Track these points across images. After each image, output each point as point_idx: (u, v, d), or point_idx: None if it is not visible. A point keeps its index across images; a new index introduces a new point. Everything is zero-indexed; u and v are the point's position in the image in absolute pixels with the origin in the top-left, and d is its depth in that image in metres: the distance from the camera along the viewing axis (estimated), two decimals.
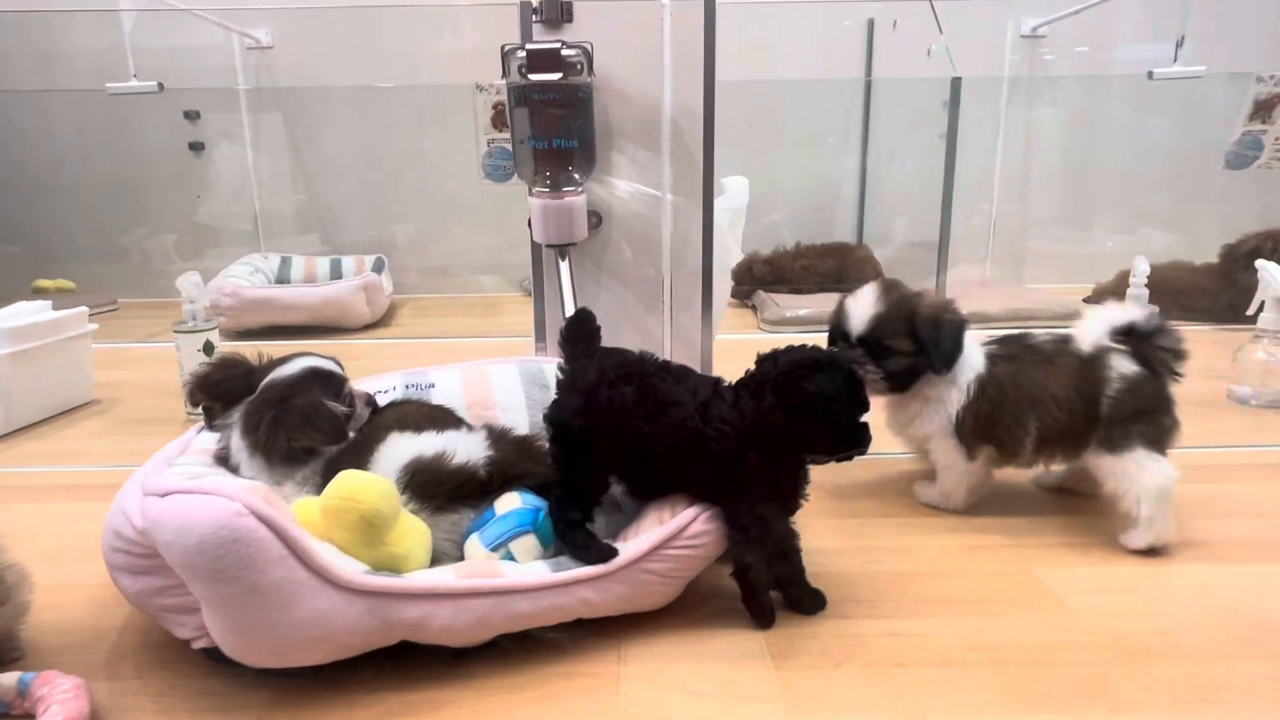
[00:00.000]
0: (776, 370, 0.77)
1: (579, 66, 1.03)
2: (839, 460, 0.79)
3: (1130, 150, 2.72)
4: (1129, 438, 0.92)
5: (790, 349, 0.79)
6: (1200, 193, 2.61)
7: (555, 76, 0.99)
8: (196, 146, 2.69)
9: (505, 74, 1.02)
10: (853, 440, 0.78)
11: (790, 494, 0.78)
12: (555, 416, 0.80)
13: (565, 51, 1.00)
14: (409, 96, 2.65)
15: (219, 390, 0.89)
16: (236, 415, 0.86)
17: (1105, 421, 0.93)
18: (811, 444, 0.77)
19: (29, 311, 1.45)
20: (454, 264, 2.76)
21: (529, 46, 0.99)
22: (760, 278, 2.46)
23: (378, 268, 2.46)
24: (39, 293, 2.43)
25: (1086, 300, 2.23)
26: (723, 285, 1.22)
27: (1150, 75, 2.15)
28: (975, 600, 0.83)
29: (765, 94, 2.70)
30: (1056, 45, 2.64)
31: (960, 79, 2.09)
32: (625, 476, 0.82)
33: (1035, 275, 2.79)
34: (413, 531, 0.74)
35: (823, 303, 2.25)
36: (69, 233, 2.77)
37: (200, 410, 0.91)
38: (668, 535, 0.74)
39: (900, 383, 0.98)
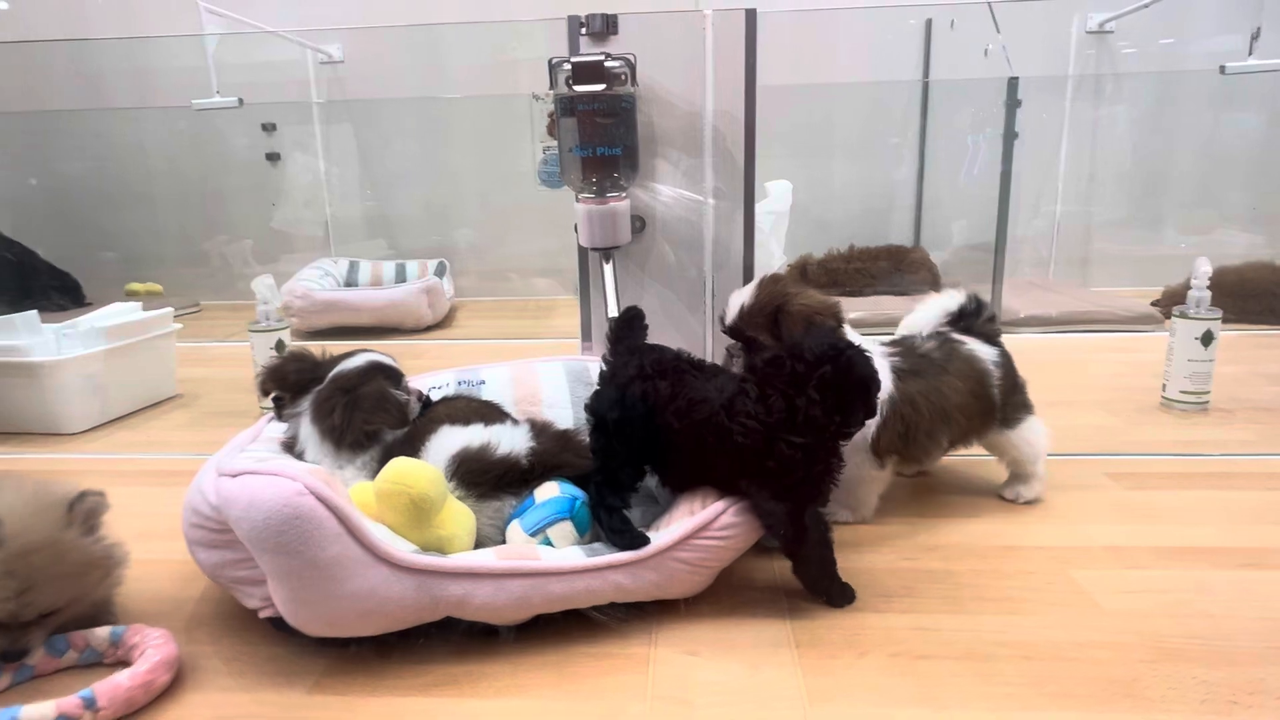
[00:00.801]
0: (810, 362, 0.77)
1: (622, 77, 1.07)
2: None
3: (1204, 148, 2.62)
4: (1019, 410, 1.04)
5: (798, 344, 0.79)
6: None
7: (599, 87, 1.03)
8: (273, 157, 2.84)
9: (552, 85, 1.07)
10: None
11: (821, 482, 0.79)
12: (595, 407, 0.84)
13: (609, 63, 1.05)
14: (470, 107, 2.75)
15: (289, 381, 0.97)
16: (306, 404, 0.93)
17: (1000, 406, 1.02)
18: (848, 429, 0.79)
19: (121, 312, 1.57)
20: (511, 268, 2.85)
21: (574, 59, 1.04)
22: (813, 280, 2.46)
23: (440, 272, 2.56)
24: (131, 295, 2.62)
25: (1154, 304, 2.16)
26: None
27: (1222, 70, 2.07)
28: (1007, 598, 0.83)
29: (822, 98, 2.70)
30: (1124, 41, 2.56)
31: (1017, 79, 2.05)
32: (657, 467, 0.85)
33: (1102, 278, 2.71)
34: (458, 516, 0.79)
35: (876, 306, 2.24)
36: (158, 239, 2.97)
37: (271, 401, 0.99)
38: (698, 526, 0.78)
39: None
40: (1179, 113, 2.61)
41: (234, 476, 0.71)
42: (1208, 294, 1.39)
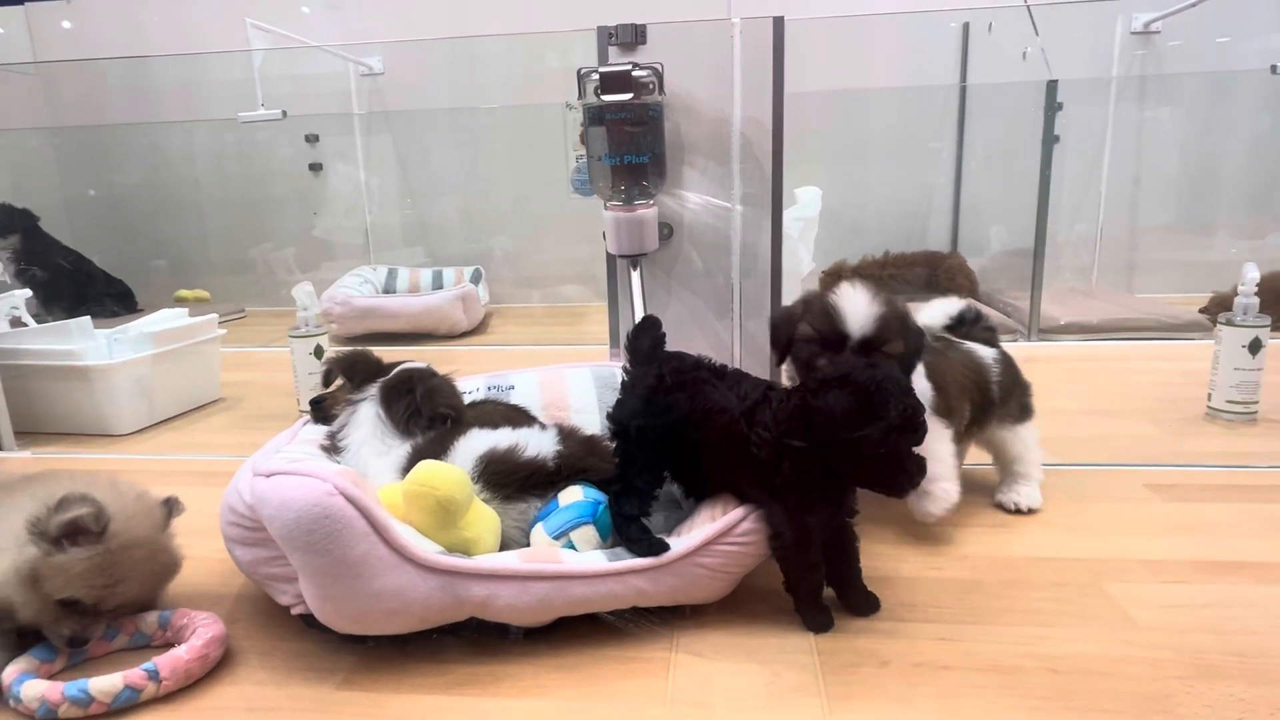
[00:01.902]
0: (802, 388, 0.75)
1: (650, 86, 1.08)
2: (889, 494, 0.75)
3: (1256, 150, 2.54)
4: (1022, 411, 1.07)
5: (841, 363, 0.79)
6: None
7: (627, 96, 1.05)
8: (315, 167, 2.92)
9: (581, 95, 1.09)
10: (886, 475, 0.72)
11: (828, 508, 0.77)
12: (616, 416, 0.85)
13: (636, 72, 1.06)
14: (506, 117, 2.80)
15: (354, 370, 1.05)
16: (370, 391, 1.01)
17: (999, 402, 1.04)
18: (836, 472, 0.74)
19: (168, 318, 1.63)
20: (545, 275, 2.88)
21: (601, 69, 1.05)
22: None
23: (475, 279, 2.60)
24: (179, 302, 2.71)
25: (1203, 311, 2.10)
26: (793, 293, 1.24)
27: (1274, 69, 2.01)
28: (1035, 610, 0.82)
29: (858, 103, 2.68)
30: (1172, 41, 2.50)
31: (1056, 81, 2.01)
32: (678, 476, 0.86)
33: (1148, 284, 2.64)
34: (483, 518, 0.81)
35: (911, 312, 2.21)
36: (206, 247, 3.07)
37: (310, 405, 1.03)
38: (718, 532, 0.78)
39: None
40: (1229, 114, 2.53)
41: (268, 476, 0.73)
42: (1256, 300, 1.35)
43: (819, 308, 0.89)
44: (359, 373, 1.05)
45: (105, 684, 0.70)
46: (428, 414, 1.00)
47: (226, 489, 0.83)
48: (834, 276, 2.46)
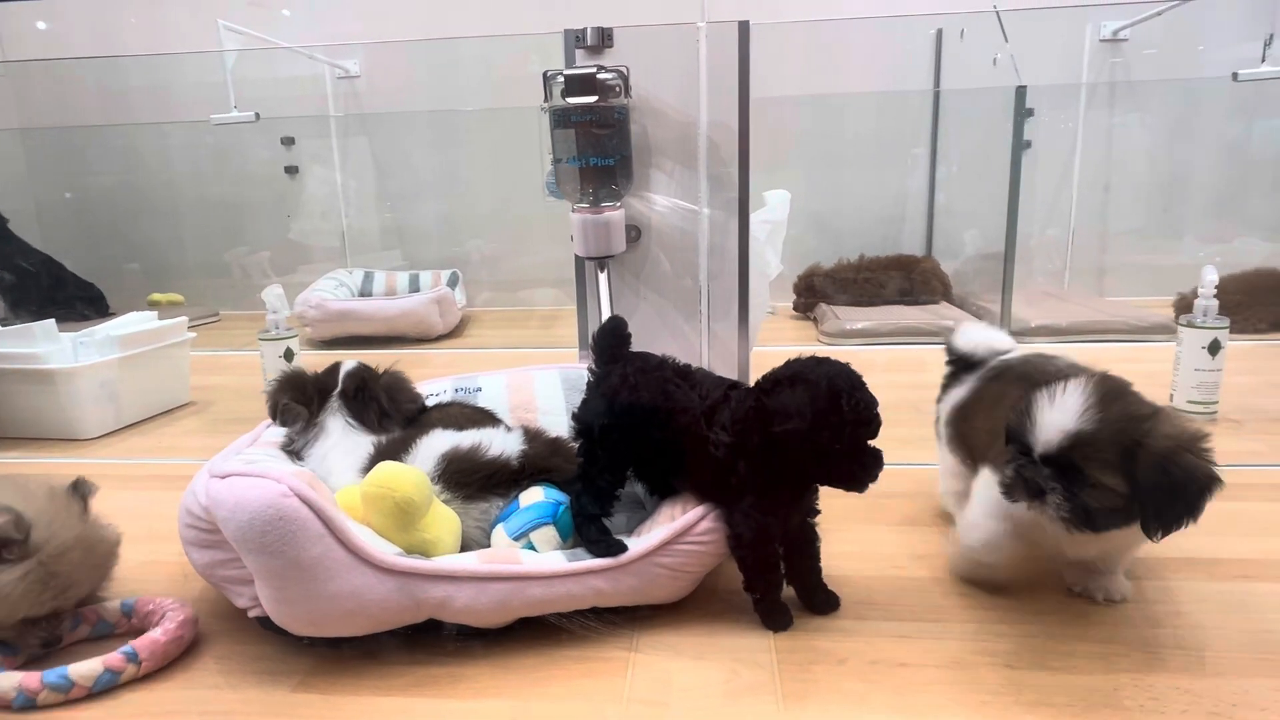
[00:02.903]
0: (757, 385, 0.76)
1: (616, 89, 1.08)
2: (847, 489, 0.74)
3: (1222, 156, 2.59)
4: None
5: (797, 361, 0.77)
6: None
7: (592, 99, 1.05)
8: (291, 170, 2.91)
9: (547, 98, 1.09)
10: (843, 471, 0.72)
11: (785, 507, 0.77)
12: (580, 416, 0.85)
13: (602, 75, 1.06)
14: (484, 120, 2.79)
15: (307, 396, 1.02)
16: (333, 406, 1.01)
17: None
18: (790, 473, 0.74)
19: (136, 321, 1.62)
20: (522, 278, 2.87)
21: (567, 72, 1.06)
22: (821, 290, 2.46)
23: (452, 282, 2.59)
24: (152, 305, 2.68)
25: (1175, 310, 2.13)
26: (761, 296, 1.25)
27: (1235, 77, 2.05)
28: (994, 608, 0.83)
29: (835, 107, 2.70)
30: (1139, 49, 2.54)
31: (1024, 87, 2.04)
32: (642, 475, 0.86)
33: (1119, 287, 2.67)
34: (443, 519, 0.81)
35: (884, 315, 2.23)
36: (180, 251, 3.04)
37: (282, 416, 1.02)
38: (677, 531, 0.78)
39: (1093, 523, 0.71)
40: (1195, 120, 2.58)
41: (223, 478, 0.73)
42: (1215, 303, 1.38)
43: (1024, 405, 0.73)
44: (311, 396, 1.02)
45: (85, 669, 0.71)
46: (398, 414, 1.02)
47: (185, 491, 0.83)
48: (805, 282, 2.48)
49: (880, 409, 0.73)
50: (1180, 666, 0.72)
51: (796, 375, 0.73)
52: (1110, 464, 0.69)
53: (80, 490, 0.82)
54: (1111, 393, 0.71)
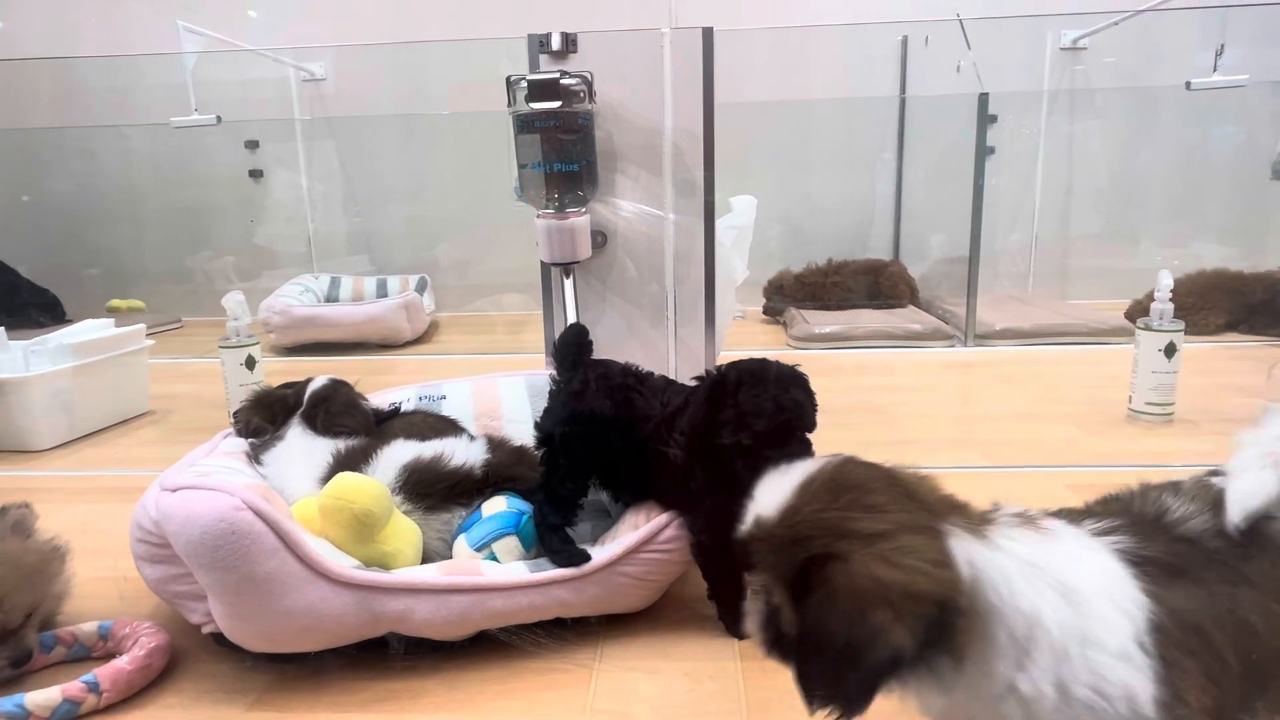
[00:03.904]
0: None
1: (580, 94, 1.08)
2: None
3: (1178, 162, 2.65)
4: None
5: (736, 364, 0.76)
6: (1261, 204, 2.52)
7: (555, 105, 1.04)
8: (256, 174, 2.86)
9: (511, 103, 1.08)
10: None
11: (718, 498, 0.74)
12: (542, 425, 0.85)
13: (566, 80, 1.06)
14: (452, 124, 2.77)
15: (274, 413, 1.01)
16: (294, 423, 0.99)
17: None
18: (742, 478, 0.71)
19: (92, 329, 1.57)
20: (492, 283, 2.85)
21: (530, 77, 1.05)
22: (791, 294, 2.48)
23: (420, 287, 2.56)
24: (112, 312, 2.62)
25: (1127, 315, 2.18)
26: (727, 301, 1.25)
27: (1188, 85, 2.10)
28: None
29: (801, 114, 2.72)
30: (1097, 57, 2.60)
31: (987, 94, 2.07)
32: (605, 483, 0.85)
33: (1081, 291, 2.72)
34: (403, 531, 0.79)
35: (852, 319, 2.25)
36: (141, 256, 2.98)
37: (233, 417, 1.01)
38: (641, 540, 0.78)
39: (783, 654, 0.49)
40: (1153, 127, 2.64)
41: (174, 491, 0.71)
42: (1170, 306, 1.41)
43: None
44: (279, 413, 1.02)
45: (42, 698, 0.68)
46: (350, 428, 1.00)
47: (137, 505, 0.81)
48: (775, 286, 2.49)
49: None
50: None
51: (708, 372, 0.74)
52: (782, 578, 0.47)
53: (2, 513, 0.79)
54: (849, 481, 0.48)
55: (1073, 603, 0.44)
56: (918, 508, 0.47)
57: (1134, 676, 0.43)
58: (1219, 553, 0.49)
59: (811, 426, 0.72)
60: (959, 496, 0.50)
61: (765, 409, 0.69)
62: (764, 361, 0.74)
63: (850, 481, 0.48)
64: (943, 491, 0.50)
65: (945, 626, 0.44)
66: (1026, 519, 0.49)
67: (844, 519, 0.46)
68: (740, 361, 0.75)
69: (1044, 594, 0.44)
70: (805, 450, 0.71)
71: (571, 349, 0.90)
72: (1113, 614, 0.44)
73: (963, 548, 0.45)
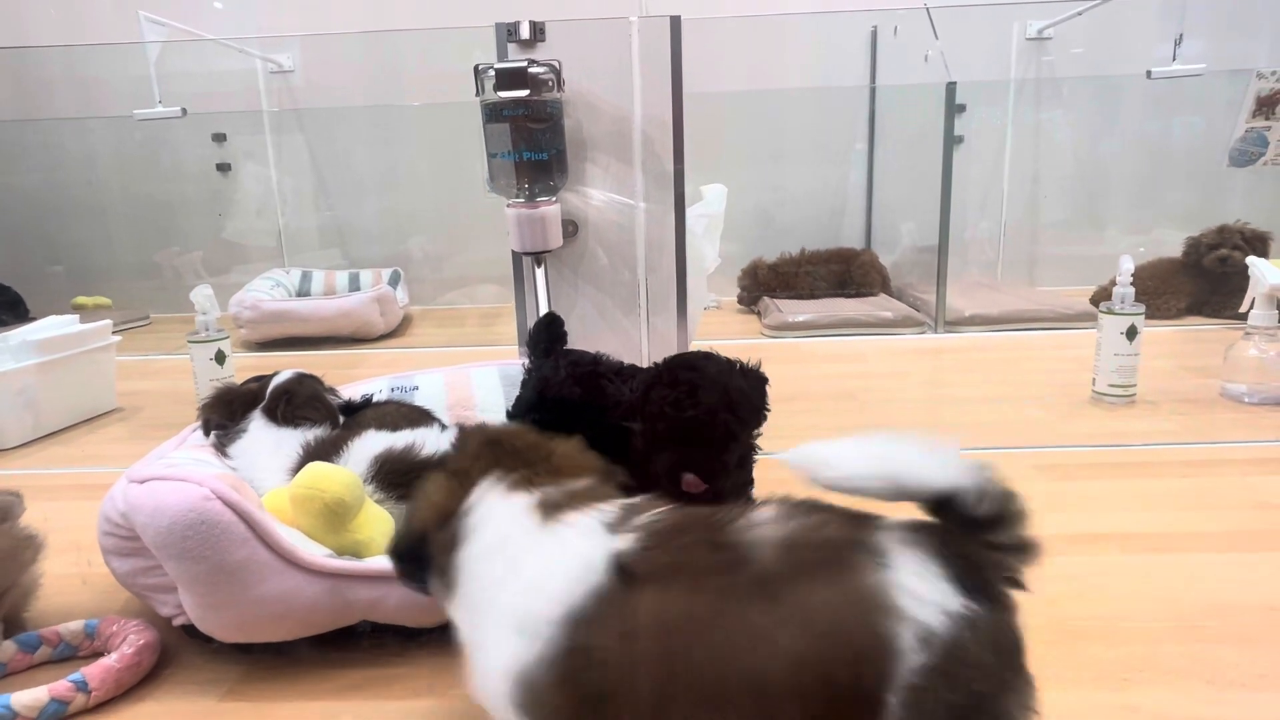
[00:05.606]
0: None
1: (549, 83, 1.08)
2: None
3: (1141, 150, 2.70)
4: None
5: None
6: (1220, 190, 2.58)
7: (524, 93, 1.05)
8: (224, 167, 2.82)
9: (479, 92, 1.08)
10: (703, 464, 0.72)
11: (708, 500, 0.76)
12: (513, 413, 0.85)
13: (533, 69, 1.06)
14: (424, 115, 2.75)
15: (233, 410, 1.00)
16: (254, 416, 0.98)
17: None
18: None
19: (56, 325, 1.55)
20: (466, 275, 2.84)
21: (497, 65, 1.05)
22: (765, 283, 2.49)
23: (393, 281, 2.54)
24: (78, 309, 2.57)
25: (1092, 300, 2.22)
26: (699, 289, 1.26)
27: (1149, 74, 2.14)
28: None
29: (771, 103, 2.74)
30: (1063, 47, 2.64)
31: (954, 84, 2.10)
32: None
33: (1049, 277, 2.77)
34: (375, 520, 0.80)
35: (825, 308, 2.28)
36: (107, 251, 2.92)
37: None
38: None
39: None
40: (1116, 116, 2.69)
41: (142, 483, 0.71)
42: (1132, 290, 1.44)
43: None
44: (238, 409, 1.00)
45: (29, 698, 0.66)
46: (313, 420, 0.99)
47: (104, 498, 0.80)
48: (749, 275, 2.51)
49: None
50: (1095, 635, 0.76)
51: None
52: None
53: None
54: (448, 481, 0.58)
55: (511, 570, 0.51)
56: (510, 463, 0.58)
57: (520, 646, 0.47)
58: (730, 566, 0.47)
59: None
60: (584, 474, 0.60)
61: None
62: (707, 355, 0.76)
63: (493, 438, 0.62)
64: (575, 460, 0.61)
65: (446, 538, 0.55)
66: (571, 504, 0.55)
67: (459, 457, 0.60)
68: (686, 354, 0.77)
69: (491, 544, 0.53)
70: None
71: (545, 337, 0.91)
72: (536, 595, 0.49)
73: (479, 494, 0.56)
